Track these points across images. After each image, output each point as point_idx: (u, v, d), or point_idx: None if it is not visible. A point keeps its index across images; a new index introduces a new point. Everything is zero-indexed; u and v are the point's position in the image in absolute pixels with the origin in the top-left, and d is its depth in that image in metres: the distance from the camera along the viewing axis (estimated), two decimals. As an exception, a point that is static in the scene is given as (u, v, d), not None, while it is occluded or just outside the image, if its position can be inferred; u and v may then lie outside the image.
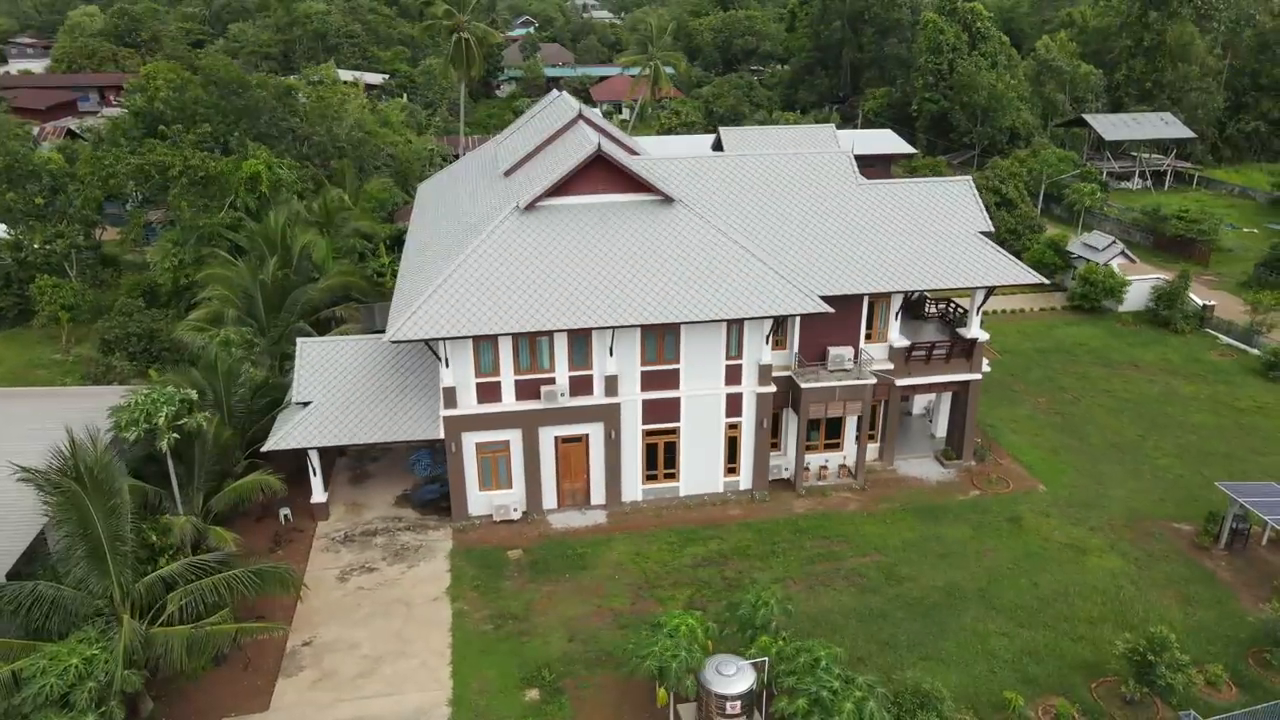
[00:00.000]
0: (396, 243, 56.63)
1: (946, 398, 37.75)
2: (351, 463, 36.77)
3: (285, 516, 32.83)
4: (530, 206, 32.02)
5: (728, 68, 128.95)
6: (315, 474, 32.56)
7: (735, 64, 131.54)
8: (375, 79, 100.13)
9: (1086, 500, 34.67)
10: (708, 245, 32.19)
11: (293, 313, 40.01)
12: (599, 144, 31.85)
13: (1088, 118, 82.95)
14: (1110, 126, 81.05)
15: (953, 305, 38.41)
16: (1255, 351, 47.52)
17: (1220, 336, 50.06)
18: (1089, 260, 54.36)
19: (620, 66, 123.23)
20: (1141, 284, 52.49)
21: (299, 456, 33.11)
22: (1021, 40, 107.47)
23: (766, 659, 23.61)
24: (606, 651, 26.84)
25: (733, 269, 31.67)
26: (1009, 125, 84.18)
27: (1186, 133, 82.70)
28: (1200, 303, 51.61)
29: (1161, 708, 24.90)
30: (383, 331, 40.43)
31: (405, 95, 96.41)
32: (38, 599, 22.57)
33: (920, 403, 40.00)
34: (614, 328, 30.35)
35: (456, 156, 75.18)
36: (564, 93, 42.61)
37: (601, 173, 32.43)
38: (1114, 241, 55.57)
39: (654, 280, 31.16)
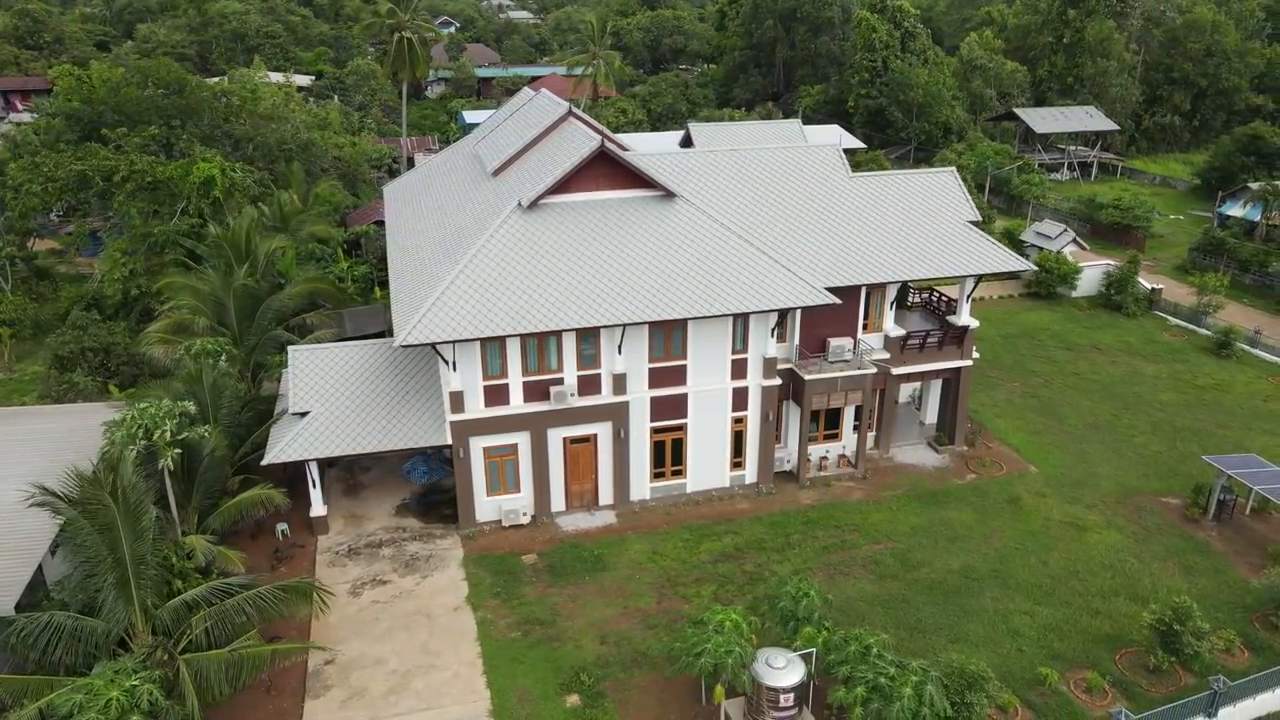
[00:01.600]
0: (353, 247, 55.07)
1: (934, 385, 38.49)
2: (342, 473, 35.50)
3: (283, 532, 31.52)
4: (532, 205, 31.38)
5: (656, 67, 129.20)
6: (315, 486, 31.29)
7: (664, 63, 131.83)
8: (304, 80, 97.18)
9: (1077, 479, 35.73)
10: (711, 240, 32.07)
11: (266, 321, 38.41)
12: (601, 141, 31.42)
13: (1019, 111, 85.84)
14: (1040, 120, 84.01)
15: (936, 294, 39.14)
16: (1205, 332, 49.75)
17: (1169, 318, 52.29)
18: (1042, 248, 56.16)
19: (550, 66, 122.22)
20: (1093, 270, 54.46)
21: (288, 470, 31.83)
22: (941, 39, 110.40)
23: (815, 650, 23.62)
24: (641, 652, 26.53)
25: (738, 263, 31.62)
26: (943, 120, 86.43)
27: (1110, 125, 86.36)
28: (1149, 286, 53.82)
29: (1184, 675, 25.82)
30: (356, 338, 39.54)
31: (336, 97, 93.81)
32: (55, 630, 21.13)
33: (905, 391, 40.64)
34: (624, 325, 30.00)
35: (407, 159, 73.92)
36: (544, 90, 41.92)
37: (602, 169, 31.95)
38: (1065, 230, 57.57)
39: (660, 276, 30.88)
